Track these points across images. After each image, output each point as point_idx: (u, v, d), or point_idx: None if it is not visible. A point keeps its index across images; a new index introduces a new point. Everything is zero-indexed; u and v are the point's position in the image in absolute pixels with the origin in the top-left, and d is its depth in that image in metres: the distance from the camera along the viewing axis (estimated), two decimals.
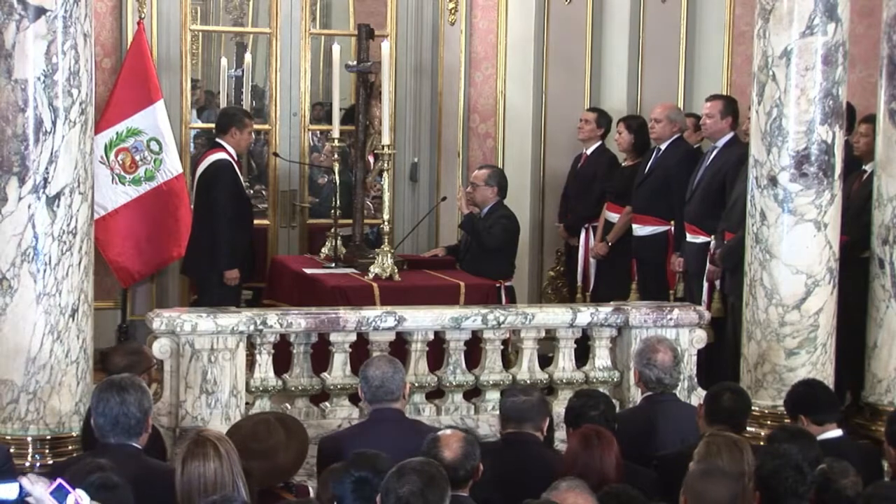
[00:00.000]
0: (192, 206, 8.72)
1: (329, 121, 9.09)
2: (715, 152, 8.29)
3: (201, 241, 8.48)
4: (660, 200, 8.54)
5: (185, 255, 8.77)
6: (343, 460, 4.92)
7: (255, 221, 9.78)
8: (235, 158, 8.56)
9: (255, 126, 10.33)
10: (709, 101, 8.44)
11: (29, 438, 5.79)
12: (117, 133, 8.83)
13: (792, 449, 4.78)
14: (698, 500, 4.32)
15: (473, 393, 7.06)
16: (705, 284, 8.14)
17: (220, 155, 8.46)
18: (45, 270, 5.71)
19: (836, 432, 5.54)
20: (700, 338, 7.15)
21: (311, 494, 4.95)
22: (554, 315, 7.08)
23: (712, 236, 8.13)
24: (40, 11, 5.64)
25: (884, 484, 4.77)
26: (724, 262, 7.82)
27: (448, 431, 4.70)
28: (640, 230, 8.76)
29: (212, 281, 8.43)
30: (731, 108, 8.35)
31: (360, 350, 6.77)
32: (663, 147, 8.65)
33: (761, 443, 6.18)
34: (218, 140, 8.57)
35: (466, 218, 8.58)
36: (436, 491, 4.03)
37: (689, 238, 8.32)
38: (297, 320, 6.66)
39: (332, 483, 4.44)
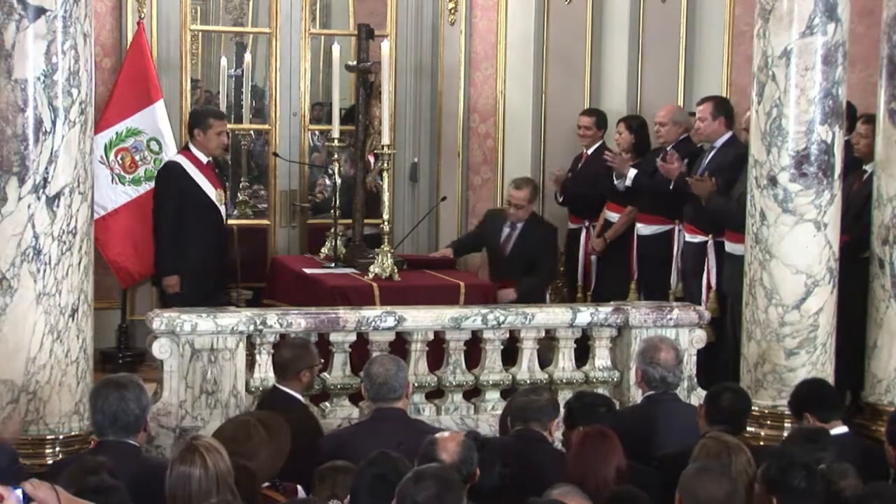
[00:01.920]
0: None
1: (329, 121, 9.09)
2: (713, 152, 8.29)
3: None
4: (665, 200, 8.52)
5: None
6: (345, 458, 4.93)
7: (256, 221, 9.80)
8: (203, 161, 8.29)
9: (256, 126, 10.37)
10: (700, 104, 8.44)
11: (29, 438, 5.78)
12: (117, 133, 8.82)
13: (794, 449, 4.78)
14: (692, 499, 4.33)
15: (473, 393, 7.06)
16: (703, 283, 8.15)
17: (173, 157, 8.40)
18: (44, 270, 5.71)
19: (841, 429, 5.56)
20: (700, 338, 7.15)
21: (300, 493, 4.95)
22: (554, 315, 7.08)
23: (710, 235, 8.13)
24: (40, 11, 5.64)
25: (880, 484, 4.76)
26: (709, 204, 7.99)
27: (446, 434, 4.69)
28: (644, 229, 8.75)
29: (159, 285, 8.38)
30: (722, 108, 8.34)
31: (361, 350, 6.78)
32: (669, 149, 8.62)
33: (761, 443, 6.21)
34: (188, 143, 8.38)
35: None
36: (453, 497, 4.03)
37: (688, 238, 8.33)
38: (297, 320, 6.66)
39: (348, 480, 4.44)
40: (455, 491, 4.04)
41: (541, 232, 8.78)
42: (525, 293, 8.39)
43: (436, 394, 7.03)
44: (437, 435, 4.68)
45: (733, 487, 4.38)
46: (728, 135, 8.28)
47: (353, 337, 6.76)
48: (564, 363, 7.11)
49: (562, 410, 5.52)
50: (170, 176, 8.26)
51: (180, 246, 8.20)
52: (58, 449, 5.79)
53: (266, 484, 4.96)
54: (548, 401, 5.41)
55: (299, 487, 5.10)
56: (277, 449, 5.05)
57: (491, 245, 8.92)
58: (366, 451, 4.64)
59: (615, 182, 8.82)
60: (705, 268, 8.17)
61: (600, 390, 7.00)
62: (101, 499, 4.07)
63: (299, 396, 6.10)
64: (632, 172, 8.66)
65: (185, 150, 8.38)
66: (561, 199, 9.38)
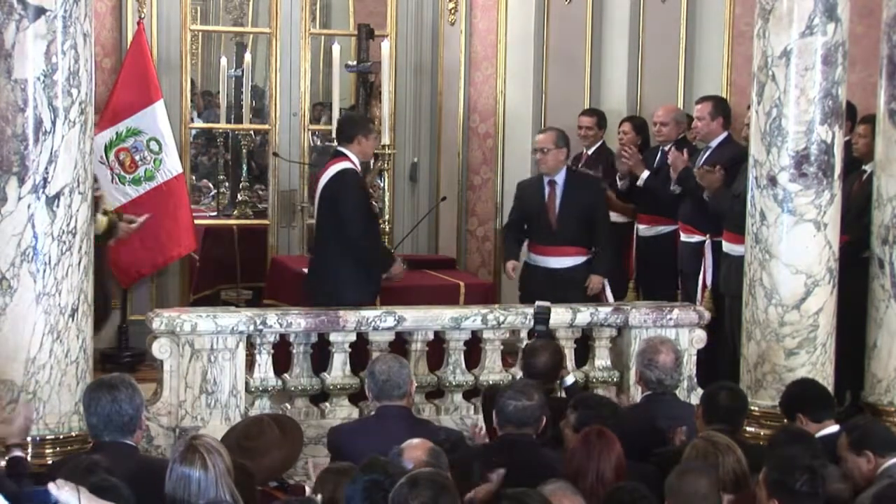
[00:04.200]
0: (316, 223, 7.72)
1: (329, 121, 9.08)
2: (708, 152, 8.28)
3: (327, 260, 7.45)
4: (667, 201, 8.49)
5: (309, 278, 7.64)
6: (348, 454, 4.93)
7: (256, 221, 9.80)
8: (359, 168, 7.64)
9: (256, 126, 10.38)
10: (698, 103, 8.43)
11: (29, 438, 5.78)
12: (117, 133, 8.82)
13: (796, 450, 4.78)
14: (677, 498, 4.38)
15: (473, 393, 7.06)
16: (700, 284, 8.15)
17: (346, 164, 7.50)
18: (44, 270, 5.71)
19: (833, 428, 5.55)
20: (700, 338, 7.16)
21: (308, 493, 4.95)
22: (554, 315, 7.06)
23: (707, 235, 8.13)
24: (40, 11, 5.64)
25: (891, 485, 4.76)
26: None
27: (415, 441, 4.66)
28: (646, 230, 8.73)
29: (343, 300, 7.24)
30: (721, 108, 8.33)
31: (361, 351, 6.78)
32: (668, 148, 8.62)
33: (761, 442, 6.20)
34: (341, 149, 7.57)
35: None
36: (448, 501, 4.03)
37: (684, 237, 8.32)
38: (297, 320, 6.67)
39: (343, 485, 4.44)
40: (450, 494, 4.03)
41: (586, 184, 8.18)
42: (607, 270, 8.00)
43: (436, 394, 7.03)
44: (405, 444, 4.65)
45: (713, 481, 4.42)
46: (724, 135, 8.27)
47: (353, 337, 6.76)
48: (564, 363, 7.10)
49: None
50: (355, 181, 7.50)
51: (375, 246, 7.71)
52: (58, 449, 5.79)
53: (273, 484, 4.97)
54: (539, 401, 5.32)
55: (307, 487, 5.11)
56: (289, 449, 5.06)
57: (534, 210, 8.14)
58: (369, 450, 4.64)
59: (618, 182, 8.79)
60: (702, 267, 8.17)
61: (600, 390, 7.02)
62: (109, 497, 4.09)
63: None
64: (645, 173, 8.60)
65: (343, 157, 7.51)
66: None
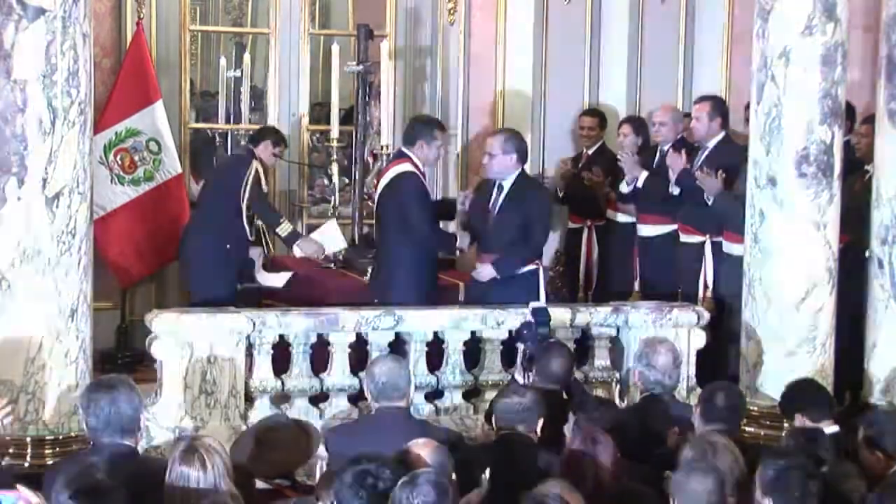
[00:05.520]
0: (377, 223, 7.77)
1: (328, 121, 9.09)
2: (706, 153, 8.27)
3: (388, 260, 7.53)
4: (668, 201, 8.49)
5: (371, 275, 7.83)
6: (347, 455, 4.93)
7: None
8: (422, 170, 7.56)
9: (255, 126, 10.33)
10: (697, 103, 8.42)
11: (28, 439, 5.79)
12: (116, 133, 8.82)
13: (791, 450, 4.78)
14: (684, 496, 4.38)
15: (473, 393, 7.06)
16: (701, 284, 8.15)
17: (406, 166, 7.48)
18: (44, 271, 5.71)
19: (832, 428, 5.55)
20: (699, 338, 7.15)
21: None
22: (553, 315, 7.06)
23: (707, 236, 8.13)
24: (39, 12, 5.64)
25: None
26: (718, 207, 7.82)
27: (421, 441, 4.66)
28: (646, 230, 8.72)
29: (409, 295, 7.32)
30: (719, 108, 8.32)
31: (361, 353, 6.77)
32: (667, 148, 8.61)
33: (760, 442, 6.21)
34: (404, 149, 7.59)
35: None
36: (449, 501, 4.03)
37: (684, 238, 8.31)
38: (297, 320, 6.66)
39: (332, 481, 4.44)
40: (451, 494, 4.03)
41: (531, 193, 7.49)
42: (501, 267, 7.30)
43: (435, 394, 7.02)
44: (411, 443, 4.64)
45: (718, 480, 4.42)
46: (722, 135, 8.26)
47: (352, 337, 6.75)
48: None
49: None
50: (415, 189, 7.49)
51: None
52: (57, 450, 5.79)
53: (287, 483, 4.98)
54: (531, 400, 5.33)
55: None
56: (302, 449, 5.09)
57: (477, 212, 7.61)
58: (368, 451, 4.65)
59: (625, 185, 8.75)
60: (703, 268, 8.16)
61: (599, 391, 7.01)
62: (102, 501, 4.08)
63: None
64: (643, 175, 8.56)
65: (405, 158, 7.50)
66: (562, 195, 9.35)
